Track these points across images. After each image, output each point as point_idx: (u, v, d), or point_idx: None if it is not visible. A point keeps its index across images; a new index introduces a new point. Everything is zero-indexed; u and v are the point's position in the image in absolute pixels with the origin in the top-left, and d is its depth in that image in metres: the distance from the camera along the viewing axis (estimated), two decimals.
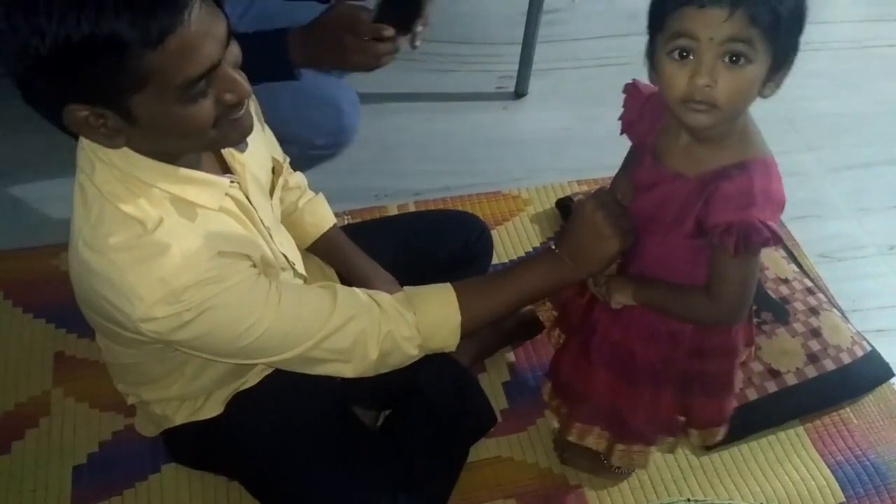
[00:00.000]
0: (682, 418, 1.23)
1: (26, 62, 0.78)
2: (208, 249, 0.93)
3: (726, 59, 0.85)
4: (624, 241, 1.06)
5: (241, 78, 0.88)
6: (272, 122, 1.23)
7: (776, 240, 0.90)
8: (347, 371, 1.07)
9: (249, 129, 0.96)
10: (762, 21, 0.82)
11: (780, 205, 0.94)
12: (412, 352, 1.09)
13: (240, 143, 0.98)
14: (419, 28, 1.31)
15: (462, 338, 1.10)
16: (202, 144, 0.95)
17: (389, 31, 1.29)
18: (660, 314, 1.10)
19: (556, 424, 1.50)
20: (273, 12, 1.57)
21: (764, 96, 0.91)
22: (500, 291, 1.12)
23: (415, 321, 1.07)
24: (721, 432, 1.23)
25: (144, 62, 0.78)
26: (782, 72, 0.89)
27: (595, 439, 1.27)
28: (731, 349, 1.14)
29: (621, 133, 1.09)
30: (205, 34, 0.81)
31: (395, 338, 1.06)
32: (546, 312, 1.33)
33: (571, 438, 1.27)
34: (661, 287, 1.08)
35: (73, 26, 0.75)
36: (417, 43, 1.29)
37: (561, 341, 1.31)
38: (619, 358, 1.17)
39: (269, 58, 1.34)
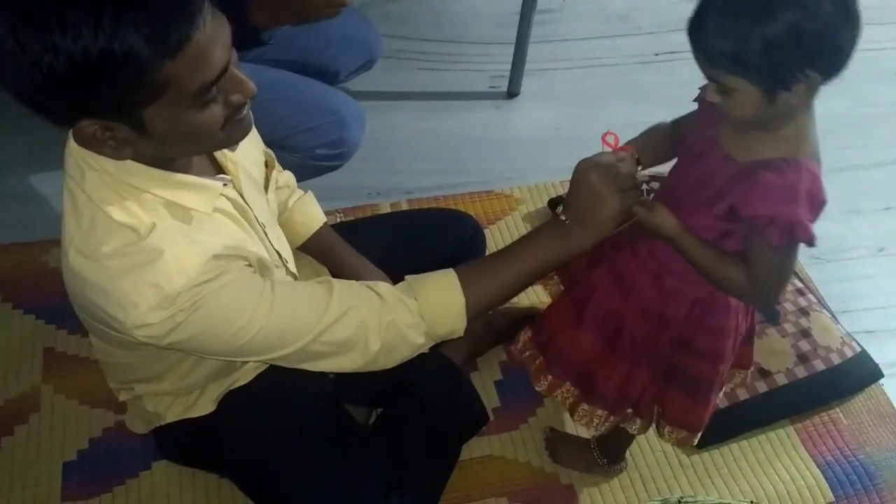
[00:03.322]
0: (658, 408, 1.23)
1: (37, 80, 0.75)
2: (202, 253, 0.91)
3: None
4: (624, 200, 1.02)
5: (246, 77, 0.87)
6: (276, 128, 1.21)
7: (814, 242, 0.92)
8: (349, 364, 1.05)
9: (250, 127, 0.95)
10: (724, 65, 0.89)
11: (820, 210, 0.94)
12: (418, 340, 1.06)
13: (241, 140, 0.97)
14: None
15: (470, 321, 1.07)
16: (210, 147, 0.95)
17: None
18: (686, 265, 1.05)
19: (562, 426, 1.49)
20: None
21: (792, 105, 0.91)
22: (505, 268, 1.08)
23: (417, 307, 1.04)
24: (693, 439, 1.23)
25: (162, 73, 0.77)
26: (794, 86, 0.88)
27: (563, 394, 1.26)
28: (718, 354, 1.14)
29: (700, 88, 1.05)
30: (215, 38, 0.80)
31: (399, 327, 1.04)
32: (553, 287, 1.29)
33: (540, 390, 1.26)
34: (705, 242, 1.03)
35: (91, 41, 0.72)
36: None
37: (561, 289, 1.28)
38: (608, 325, 1.16)
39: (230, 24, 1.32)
